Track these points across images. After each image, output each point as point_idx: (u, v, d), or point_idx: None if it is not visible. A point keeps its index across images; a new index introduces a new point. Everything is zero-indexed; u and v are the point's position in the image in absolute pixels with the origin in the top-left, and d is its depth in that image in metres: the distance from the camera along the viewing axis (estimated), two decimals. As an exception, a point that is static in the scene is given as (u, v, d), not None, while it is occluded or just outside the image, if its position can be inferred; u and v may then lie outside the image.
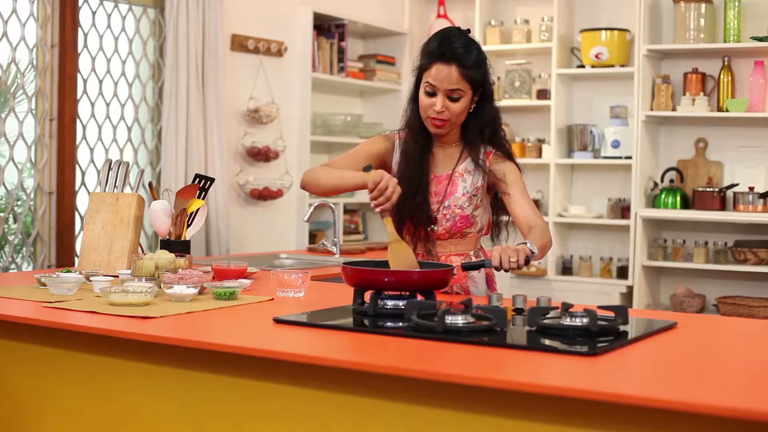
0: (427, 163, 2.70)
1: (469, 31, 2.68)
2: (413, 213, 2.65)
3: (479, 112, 2.67)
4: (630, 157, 5.19)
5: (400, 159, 2.72)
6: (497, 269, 2.36)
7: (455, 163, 2.71)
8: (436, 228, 2.69)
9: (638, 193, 5.12)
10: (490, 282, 2.79)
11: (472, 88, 2.60)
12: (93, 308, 2.26)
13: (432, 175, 2.70)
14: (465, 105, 2.61)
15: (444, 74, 2.55)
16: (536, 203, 5.56)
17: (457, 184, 2.69)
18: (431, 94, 2.59)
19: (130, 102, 4.43)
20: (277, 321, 2.10)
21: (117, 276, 2.74)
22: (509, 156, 2.73)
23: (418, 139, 2.69)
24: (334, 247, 4.22)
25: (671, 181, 5.18)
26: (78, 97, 4.15)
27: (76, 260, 4.04)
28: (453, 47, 2.56)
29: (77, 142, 4.15)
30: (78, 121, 4.16)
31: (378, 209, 2.38)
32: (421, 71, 2.62)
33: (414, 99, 2.68)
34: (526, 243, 2.43)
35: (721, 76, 5.03)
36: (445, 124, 2.61)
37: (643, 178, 5.16)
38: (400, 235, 2.70)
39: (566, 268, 5.44)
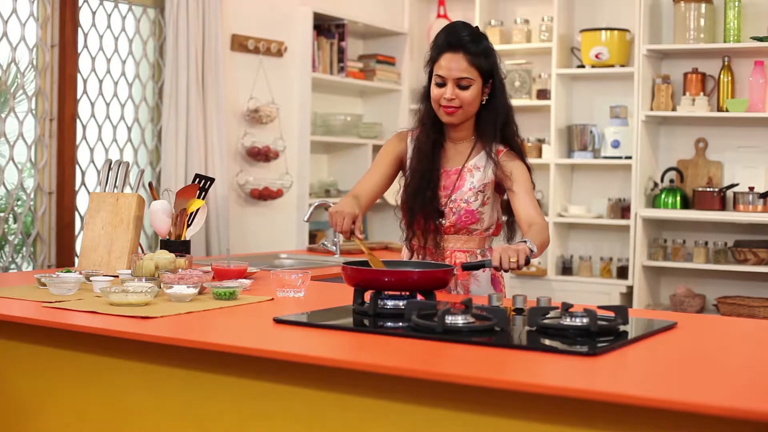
0: (439, 158, 2.75)
1: (477, 28, 2.72)
2: (423, 206, 2.72)
3: (490, 105, 2.70)
4: (630, 157, 5.19)
5: (412, 154, 2.78)
6: (497, 269, 2.36)
7: (465, 158, 2.75)
8: (443, 221, 2.73)
9: (638, 193, 5.12)
10: (496, 283, 2.79)
11: (481, 76, 2.64)
12: (93, 308, 2.26)
13: (442, 170, 2.75)
14: (475, 93, 2.65)
15: (452, 63, 2.61)
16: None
17: (465, 178, 2.73)
18: (441, 84, 2.65)
19: (130, 102, 4.43)
20: (277, 321, 2.10)
21: (117, 276, 2.74)
22: (520, 154, 2.75)
23: (430, 134, 2.75)
24: (334, 247, 4.22)
25: (671, 181, 5.18)
26: (78, 97, 4.15)
27: (76, 260, 4.04)
28: (460, 36, 2.63)
29: (77, 142, 4.15)
30: (78, 121, 4.16)
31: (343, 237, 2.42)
32: (431, 65, 2.69)
33: (426, 96, 2.74)
34: (525, 241, 2.44)
35: (721, 76, 5.03)
36: (457, 111, 2.66)
37: (643, 178, 5.16)
38: (411, 229, 2.79)
39: (566, 268, 5.44)
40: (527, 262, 2.39)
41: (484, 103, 2.69)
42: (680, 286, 5.07)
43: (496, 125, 2.71)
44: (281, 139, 5.01)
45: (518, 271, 5.39)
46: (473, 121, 2.74)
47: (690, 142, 5.23)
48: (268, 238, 5.01)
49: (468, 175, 2.73)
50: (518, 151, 2.75)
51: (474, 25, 2.71)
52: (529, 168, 2.74)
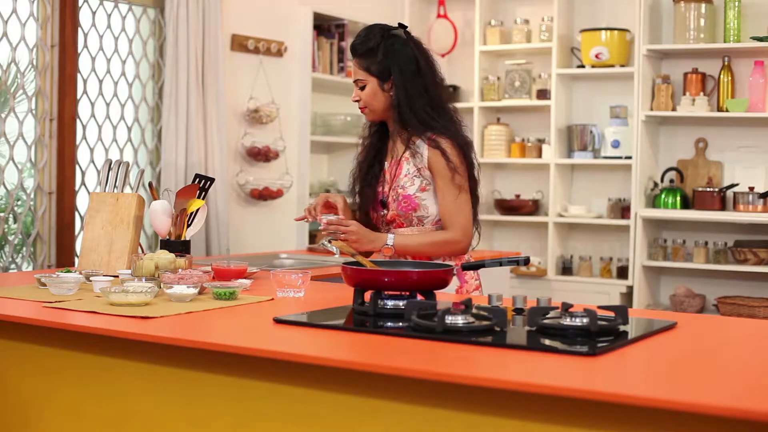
0: (381, 154, 2.90)
1: (402, 26, 2.83)
2: (366, 199, 2.86)
3: (397, 96, 2.79)
4: (630, 157, 5.19)
5: (360, 154, 2.96)
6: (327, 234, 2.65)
7: (403, 150, 2.83)
8: (386, 212, 2.82)
9: (638, 193, 5.12)
10: (461, 275, 2.81)
11: (373, 75, 2.79)
12: (93, 308, 2.26)
13: (387, 164, 2.87)
14: (371, 91, 2.80)
15: (353, 68, 2.84)
16: (536, 203, 5.58)
17: (402, 166, 2.81)
18: None
19: (130, 102, 4.43)
20: (277, 321, 2.10)
21: (117, 276, 2.74)
22: (445, 141, 2.76)
23: (368, 133, 2.93)
24: (334, 247, 4.21)
25: (671, 181, 5.18)
26: (78, 97, 4.15)
27: (76, 260, 4.04)
28: (352, 43, 2.82)
29: (77, 142, 4.15)
30: (78, 121, 4.16)
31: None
32: None
33: None
34: (390, 236, 2.70)
35: (721, 76, 5.03)
36: (365, 110, 2.85)
37: (643, 178, 5.16)
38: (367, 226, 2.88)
39: (566, 268, 5.44)
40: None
41: (396, 96, 2.79)
42: (680, 286, 5.07)
43: (405, 114, 2.77)
44: (281, 139, 5.01)
45: (518, 271, 5.40)
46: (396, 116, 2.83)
47: (690, 142, 5.24)
48: (268, 238, 5.01)
49: (405, 163, 2.81)
50: (449, 136, 2.78)
51: (397, 24, 2.85)
52: (446, 156, 2.74)
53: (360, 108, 2.85)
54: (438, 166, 2.75)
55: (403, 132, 2.80)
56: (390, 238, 2.72)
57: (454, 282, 2.78)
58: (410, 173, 2.78)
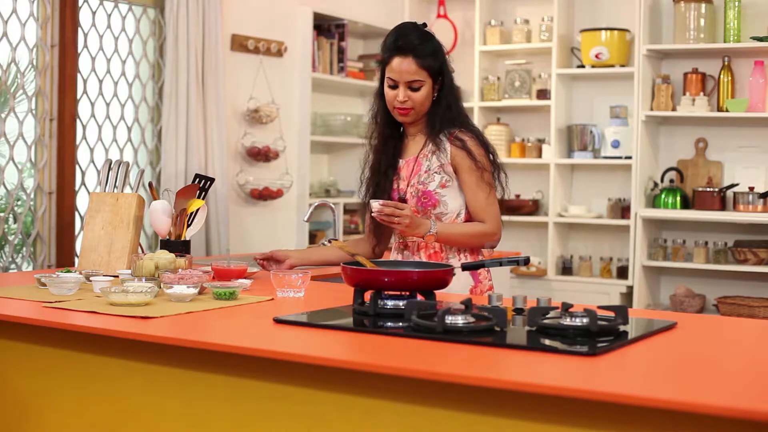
0: (397, 151, 2.86)
1: (425, 24, 2.82)
2: (381, 197, 2.82)
3: (441, 100, 2.79)
4: (630, 157, 5.19)
5: (368, 151, 2.92)
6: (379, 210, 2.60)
7: (422, 146, 2.82)
8: None
9: (638, 193, 5.12)
10: (474, 274, 2.80)
11: (431, 76, 2.74)
12: (93, 308, 2.26)
13: (403, 162, 2.85)
14: (426, 93, 2.75)
15: (402, 66, 2.72)
16: (536, 203, 5.58)
17: (421, 163, 2.80)
18: (393, 87, 2.75)
19: (130, 102, 4.43)
20: (277, 321, 2.10)
21: (117, 276, 2.74)
22: (469, 139, 2.78)
23: (384, 131, 2.86)
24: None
25: (671, 181, 5.18)
26: (78, 97, 4.15)
27: (76, 260, 4.04)
28: (408, 39, 2.72)
29: (77, 142, 4.15)
30: (78, 121, 4.16)
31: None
32: (383, 66, 2.79)
33: (380, 94, 2.84)
34: (433, 223, 2.67)
35: (721, 76, 5.03)
36: (409, 112, 2.76)
37: (643, 178, 5.16)
38: (376, 224, 2.90)
39: (566, 268, 5.44)
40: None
41: (435, 99, 2.78)
42: (680, 286, 5.07)
43: (445, 119, 2.78)
44: (281, 139, 5.01)
45: (518, 271, 5.40)
46: (425, 115, 2.82)
47: (690, 142, 5.24)
48: (268, 238, 5.01)
49: (424, 159, 2.80)
50: (469, 134, 2.78)
51: (421, 23, 2.81)
52: (472, 155, 2.75)
53: (404, 109, 2.75)
54: (464, 165, 2.75)
55: (426, 131, 2.80)
56: (433, 225, 2.69)
57: (468, 282, 2.78)
58: (431, 169, 2.78)
